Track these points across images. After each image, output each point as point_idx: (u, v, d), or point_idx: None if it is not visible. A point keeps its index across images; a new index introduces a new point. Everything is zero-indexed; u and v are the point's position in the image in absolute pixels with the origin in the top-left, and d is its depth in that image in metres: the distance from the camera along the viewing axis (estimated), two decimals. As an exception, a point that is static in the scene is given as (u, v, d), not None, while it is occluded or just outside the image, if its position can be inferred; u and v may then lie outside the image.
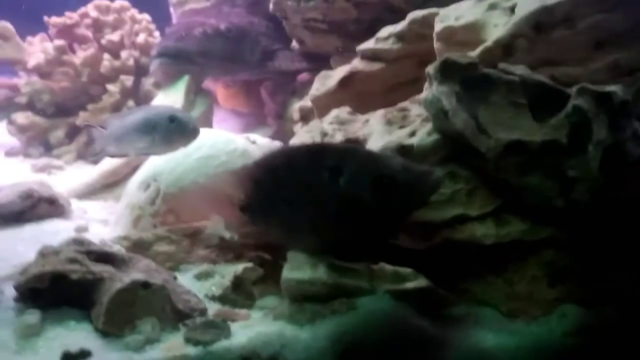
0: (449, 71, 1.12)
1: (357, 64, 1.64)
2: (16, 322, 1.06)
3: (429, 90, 1.17)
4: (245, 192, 1.16)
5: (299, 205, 1.10)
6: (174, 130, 1.41)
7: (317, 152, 1.13)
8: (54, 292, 1.11)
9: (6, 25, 2.54)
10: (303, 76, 2.35)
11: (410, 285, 1.11)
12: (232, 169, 1.29)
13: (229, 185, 1.19)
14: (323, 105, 1.64)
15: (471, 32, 1.31)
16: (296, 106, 2.19)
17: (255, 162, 1.18)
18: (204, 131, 1.76)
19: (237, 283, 1.24)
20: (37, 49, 2.52)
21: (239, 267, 1.27)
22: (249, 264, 1.28)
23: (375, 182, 1.05)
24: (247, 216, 1.16)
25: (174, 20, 2.75)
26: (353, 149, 1.22)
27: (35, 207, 1.69)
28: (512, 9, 1.27)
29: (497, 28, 1.25)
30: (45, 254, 1.17)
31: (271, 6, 2.17)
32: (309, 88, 1.82)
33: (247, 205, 1.16)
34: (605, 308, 1.13)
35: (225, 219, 1.21)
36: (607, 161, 1.07)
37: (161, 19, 2.75)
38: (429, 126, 1.19)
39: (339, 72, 1.66)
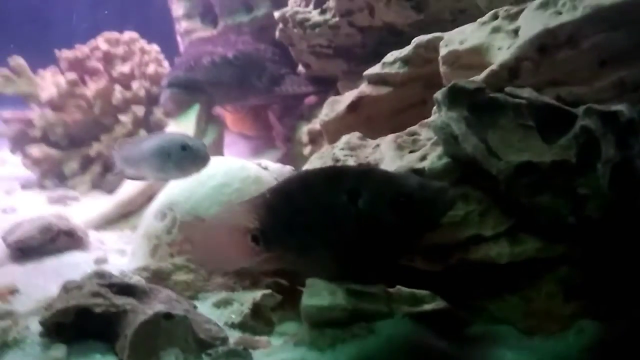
0: (457, 97, 1.14)
1: (364, 88, 1.66)
2: (42, 357, 1.08)
3: (437, 116, 1.19)
4: (260, 219, 1.17)
5: (317, 230, 1.11)
6: (186, 158, 1.46)
7: (334, 175, 1.15)
8: (79, 326, 1.13)
9: (19, 60, 2.60)
10: (310, 99, 2.39)
11: (427, 307, 1.13)
12: (243, 198, 1.31)
13: (241, 215, 1.19)
14: (333, 130, 1.67)
15: (476, 56, 1.34)
16: (304, 129, 2.23)
17: (269, 189, 1.20)
18: (216, 159, 1.80)
19: (256, 310, 1.26)
20: (49, 82, 2.57)
21: (257, 294, 1.29)
22: (267, 291, 1.29)
23: (393, 201, 1.07)
24: (261, 244, 1.17)
25: (182, 48, 2.81)
26: (369, 170, 1.24)
27: (55, 240, 1.72)
28: (515, 32, 1.30)
29: (502, 51, 1.28)
30: (68, 288, 1.20)
31: (277, 33, 2.21)
32: (317, 111, 1.85)
33: (261, 233, 1.16)
34: (622, 322, 1.14)
35: (235, 252, 1.20)
36: (617, 178, 1.08)
37: (169, 48, 2.81)
38: (439, 150, 1.21)
39: (347, 97, 1.69)
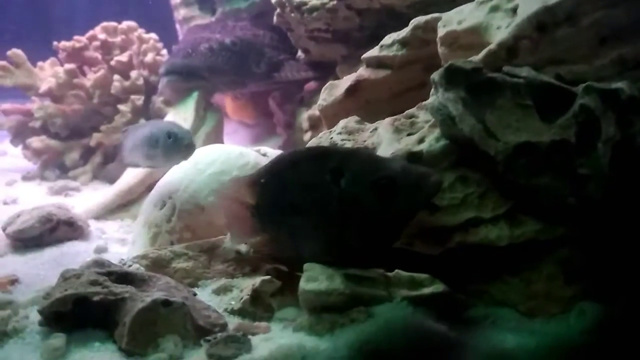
0: (453, 77, 1.13)
1: (362, 72, 1.65)
2: (42, 346, 1.08)
3: (434, 97, 1.17)
4: (254, 197, 1.20)
5: (304, 208, 1.13)
6: (172, 145, 1.48)
7: (319, 155, 1.17)
8: (78, 314, 1.13)
9: (17, 52, 2.59)
10: (310, 85, 2.37)
11: (427, 290, 1.12)
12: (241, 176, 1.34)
13: (240, 191, 1.23)
14: (331, 114, 1.66)
15: (474, 36, 1.32)
16: (305, 115, 2.21)
17: (264, 166, 1.23)
18: (215, 146, 1.80)
19: (255, 296, 1.25)
20: (48, 73, 2.57)
21: (257, 280, 1.28)
22: (266, 277, 1.29)
23: (374, 182, 1.08)
24: (257, 222, 1.20)
25: (180, 36, 2.79)
26: (354, 151, 1.25)
27: (55, 230, 1.72)
28: (514, 10, 1.27)
29: (500, 30, 1.25)
30: (67, 277, 1.19)
31: (275, 18, 2.19)
32: (317, 96, 1.83)
33: (256, 210, 1.19)
34: (623, 304, 1.13)
35: (237, 225, 1.25)
36: (618, 157, 1.07)
37: (168, 36, 2.79)
38: (437, 132, 1.19)
39: (345, 81, 1.67)
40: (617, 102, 1.06)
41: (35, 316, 1.16)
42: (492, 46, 1.22)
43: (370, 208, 1.08)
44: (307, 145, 1.46)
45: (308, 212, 1.12)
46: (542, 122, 1.09)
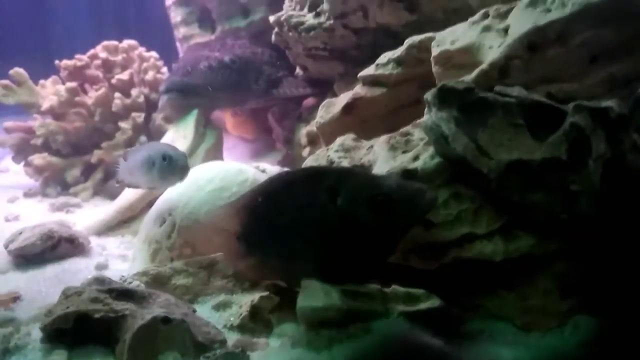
0: (446, 97, 1.15)
1: (359, 90, 1.67)
2: (44, 363, 1.10)
3: (428, 116, 1.20)
4: (242, 222, 1.20)
5: (298, 230, 1.14)
6: (167, 168, 1.53)
7: (314, 175, 1.18)
8: (79, 331, 1.14)
9: (19, 71, 2.62)
10: (308, 101, 2.40)
11: (423, 305, 1.13)
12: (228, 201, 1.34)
13: (226, 218, 1.23)
14: (328, 132, 1.68)
15: (467, 55, 1.34)
16: (303, 131, 2.24)
17: (251, 190, 1.23)
18: (214, 163, 1.82)
19: (254, 312, 1.27)
20: (50, 91, 2.60)
21: (256, 296, 1.29)
22: (265, 293, 1.30)
23: (371, 200, 1.09)
24: (243, 247, 1.20)
25: (181, 54, 2.82)
26: (349, 170, 1.27)
27: (56, 247, 1.74)
28: (505, 31, 1.30)
29: (492, 50, 1.28)
30: (68, 294, 1.21)
31: (273, 37, 2.23)
32: (315, 113, 1.86)
33: (243, 236, 1.19)
34: (617, 317, 1.14)
35: (226, 252, 1.26)
36: (609, 174, 1.09)
37: (168, 54, 2.83)
38: (431, 150, 1.22)
39: (342, 99, 1.70)
40: (607, 120, 1.09)
41: (37, 333, 1.17)
42: (484, 66, 1.25)
43: (367, 224, 1.10)
44: (304, 164, 1.48)
45: (303, 232, 1.13)
46: (534, 140, 1.11)
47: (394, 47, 1.66)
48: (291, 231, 1.14)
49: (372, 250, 1.13)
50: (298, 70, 2.35)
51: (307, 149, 2.15)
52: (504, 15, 1.34)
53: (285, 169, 1.78)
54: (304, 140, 2.21)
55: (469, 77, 1.25)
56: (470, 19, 1.40)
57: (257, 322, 1.26)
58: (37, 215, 2.24)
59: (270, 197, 1.16)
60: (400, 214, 1.10)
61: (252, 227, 1.17)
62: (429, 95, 1.18)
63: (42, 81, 2.68)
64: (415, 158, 1.24)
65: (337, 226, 1.11)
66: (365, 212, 1.09)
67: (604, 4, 1.21)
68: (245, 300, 1.32)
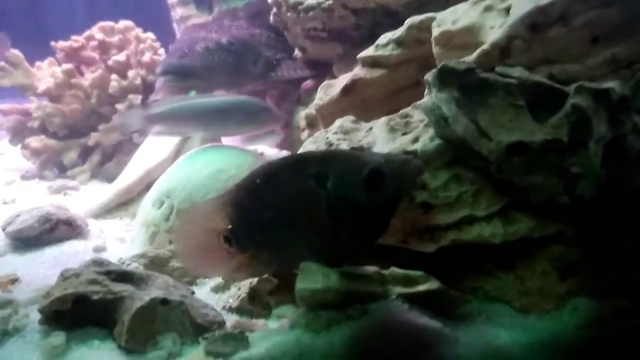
0: (447, 78, 1.14)
1: (358, 71, 1.66)
2: (42, 345, 1.10)
3: (428, 98, 1.19)
4: (230, 218, 1.13)
5: (289, 221, 1.11)
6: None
7: (297, 163, 1.14)
8: (77, 313, 1.14)
9: (15, 53, 2.60)
10: (307, 84, 2.38)
11: (422, 287, 1.13)
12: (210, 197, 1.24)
13: (210, 215, 1.14)
14: (327, 114, 1.67)
15: (468, 35, 1.33)
16: (302, 114, 2.22)
17: (235, 185, 1.15)
18: (212, 146, 1.81)
19: (253, 294, 1.27)
20: (46, 73, 2.58)
21: (254, 279, 1.29)
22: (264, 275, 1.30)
23: (365, 178, 1.08)
24: (234, 245, 1.14)
25: (178, 35, 2.80)
26: (332, 152, 1.24)
27: (54, 230, 1.73)
28: (507, 10, 1.28)
29: (493, 30, 1.27)
30: (66, 276, 1.21)
31: (271, 18, 2.20)
32: (314, 95, 1.84)
33: (232, 233, 1.13)
34: (616, 299, 1.15)
35: (207, 256, 1.16)
36: (609, 156, 1.08)
37: (165, 36, 2.80)
38: (431, 131, 1.21)
39: (341, 80, 1.68)
40: (609, 102, 1.08)
41: (35, 315, 1.18)
42: (485, 46, 1.23)
43: (361, 203, 1.09)
44: (303, 146, 1.47)
45: (295, 222, 1.10)
46: (535, 122, 1.10)
47: (394, 27, 1.63)
48: (282, 224, 1.11)
49: (367, 228, 1.12)
50: (297, 52, 2.33)
51: (306, 132, 2.13)
52: (505, -5, 1.32)
53: (285, 152, 1.77)
54: (302, 123, 2.20)
55: (470, 58, 1.24)
56: (471, -1, 1.39)
57: (255, 304, 1.26)
58: (35, 198, 2.24)
59: (256, 191, 1.11)
60: (393, 187, 1.09)
61: (242, 222, 1.11)
62: (429, 76, 1.17)
63: (38, 63, 2.66)
64: (415, 140, 1.23)
65: (331, 211, 1.08)
66: (361, 192, 1.08)
67: (606, -17, 1.19)
68: (244, 283, 1.32)
